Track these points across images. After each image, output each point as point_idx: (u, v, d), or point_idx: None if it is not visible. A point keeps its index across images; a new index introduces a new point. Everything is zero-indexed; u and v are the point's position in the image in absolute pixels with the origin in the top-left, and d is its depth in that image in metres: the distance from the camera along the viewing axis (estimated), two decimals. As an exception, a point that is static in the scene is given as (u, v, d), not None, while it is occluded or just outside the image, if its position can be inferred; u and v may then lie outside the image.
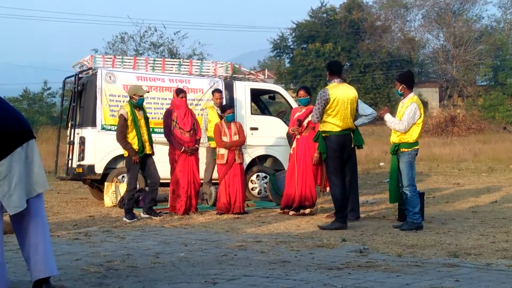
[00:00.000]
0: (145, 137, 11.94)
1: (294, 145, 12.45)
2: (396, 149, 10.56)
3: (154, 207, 13.14)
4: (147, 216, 11.93)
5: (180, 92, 12.84)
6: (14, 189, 5.08)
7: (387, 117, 10.66)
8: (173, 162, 12.58)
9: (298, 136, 12.34)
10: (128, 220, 11.46)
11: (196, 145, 12.72)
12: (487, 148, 30.42)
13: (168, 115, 12.67)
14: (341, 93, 10.57)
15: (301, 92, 12.68)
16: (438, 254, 7.91)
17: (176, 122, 12.56)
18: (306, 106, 12.53)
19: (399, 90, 10.71)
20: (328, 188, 12.64)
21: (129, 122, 11.77)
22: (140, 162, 11.95)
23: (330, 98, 10.52)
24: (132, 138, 11.80)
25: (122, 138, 11.82)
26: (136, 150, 11.81)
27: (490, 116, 52.56)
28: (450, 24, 66.84)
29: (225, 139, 12.71)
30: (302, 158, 12.23)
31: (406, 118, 10.40)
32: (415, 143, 10.55)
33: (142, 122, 11.91)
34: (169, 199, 12.66)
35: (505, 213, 12.21)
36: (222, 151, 12.69)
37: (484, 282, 6.03)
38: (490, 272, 6.54)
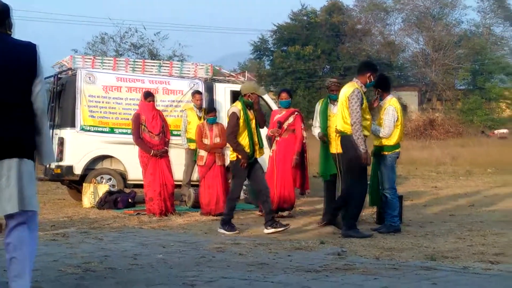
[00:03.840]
0: (256, 139, 10.55)
1: (273, 147, 12.45)
2: (378, 152, 10.57)
3: (132, 209, 13.14)
4: (272, 230, 10.11)
5: (148, 95, 12.76)
6: None
7: (372, 128, 10.68)
8: (144, 165, 12.55)
9: (278, 138, 12.34)
10: (227, 232, 10.16)
11: (166, 148, 12.65)
12: (465, 152, 30.61)
13: (136, 118, 12.61)
14: (339, 93, 10.26)
15: (283, 95, 12.66)
16: (415, 257, 7.94)
17: (144, 125, 12.51)
18: (287, 109, 12.52)
19: (375, 94, 10.72)
20: (307, 191, 12.70)
21: (240, 122, 10.39)
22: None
23: None
24: (243, 140, 10.40)
25: (234, 138, 10.35)
26: (248, 152, 10.38)
27: (469, 120, 52.97)
28: (429, 28, 67.13)
29: (206, 141, 12.71)
30: (282, 161, 12.23)
31: (387, 124, 10.41)
32: (397, 145, 10.57)
33: (253, 123, 10.56)
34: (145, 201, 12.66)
35: (482, 216, 12.29)
36: (202, 153, 12.71)
37: (461, 285, 6.07)
38: (467, 275, 6.57)
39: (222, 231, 10.21)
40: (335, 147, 11.10)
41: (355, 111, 9.65)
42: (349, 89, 9.83)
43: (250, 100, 10.46)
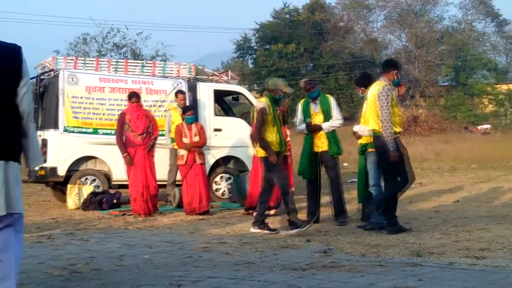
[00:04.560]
0: (283, 135, 10.43)
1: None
2: (363, 149, 10.58)
3: (118, 209, 13.10)
4: (258, 230, 9.97)
5: (131, 97, 12.67)
6: None
7: (355, 128, 10.66)
8: (128, 165, 12.52)
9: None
10: (290, 231, 9.80)
11: (152, 142, 12.60)
12: (449, 148, 30.73)
13: (121, 117, 12.60)
14: (368, 92, 10.15)
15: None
16: (401, 253, 7.96)
17: (128, 124, 12.50)
18: (270, 107, 12.51)
19: (360, 93, 10.74)
20: (291, 189, 12.68)
21: (269, 118, 10.04)
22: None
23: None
24: (272, 135, 10.12)
25: (260, 135, 10.03)
26: (277, 149, 10.14)
27: (452, 116, 53.17)
28: (412, 25, 67.37)
29: (186, 140, 12.70)
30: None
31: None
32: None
33: (280, 119, 10.44)
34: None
35: (467, 212, 12.33)
36: (182, 152, 12.71)
37: (447, 281, 6.08)
38: (453, 271, 6.59)
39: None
40: (320, 146, 11.14)
41: (385, 108, 9.56)
42: (377, 87, 9.75)
43: (276, 96, 10.19)
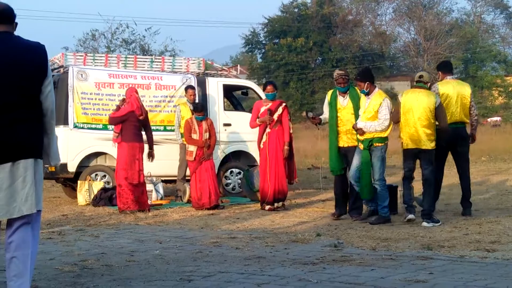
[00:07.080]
0: None
1: (264, 139, 12.42)
2: (370, 144, 10.52)
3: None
4: (431, 224, 9.93)
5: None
6: None
7: (360, 124, 10.54)
8: None
9: (269, 130, 12.31)
10: (437, 224, 9.92)
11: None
12: (458, 141, 30.55)
13: None
14: (451, 89, 11.02)
15: (269, 87, 12.69)
16: (412, 247, 7.96)
17: None
18: (273, 101, 12.55)
19: (365, 88, 10.61)
20: (295, 180, 12.74)
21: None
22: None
23: (440, 93, 10.86)
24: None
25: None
26: None
27: (462, 109, 52.89)
28: (420, 17, 67.10)
29: (195, 136, 12.70)
30: (274, 153, 12.24)
31: (386, 116, 10.38)
32: (387, 136, 10.58)
33: None
34: None
35: (477, 205, 12.30)
36: (191, 147, 12.72)
37: (457, 274, 6.08)
38: (464, 264, 6.59)
39: (431, 224, 9.91)
40: (346, 141, 11.03)
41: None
42: (468, 88, 11.34)
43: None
